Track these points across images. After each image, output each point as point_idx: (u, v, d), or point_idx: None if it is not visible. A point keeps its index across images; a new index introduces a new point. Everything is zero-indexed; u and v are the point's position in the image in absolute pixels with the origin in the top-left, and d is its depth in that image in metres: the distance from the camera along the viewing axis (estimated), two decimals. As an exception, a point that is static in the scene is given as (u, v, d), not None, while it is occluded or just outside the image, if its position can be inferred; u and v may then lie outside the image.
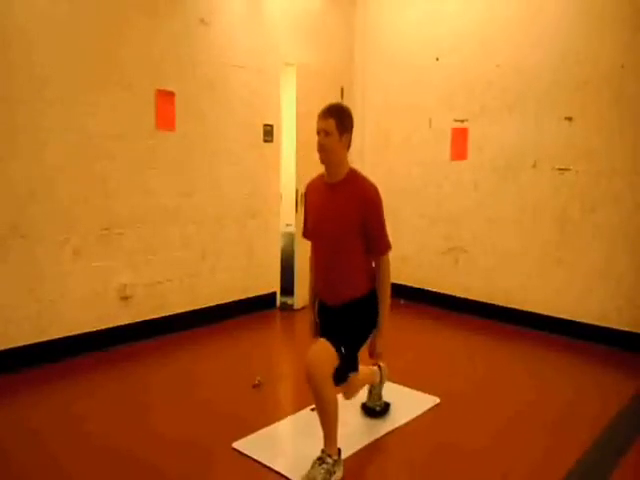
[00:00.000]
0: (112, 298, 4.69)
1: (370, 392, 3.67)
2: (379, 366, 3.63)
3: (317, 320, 3.25)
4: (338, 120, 2.92)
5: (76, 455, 3.12)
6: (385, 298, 3.05)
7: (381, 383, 3.66)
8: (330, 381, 2.82)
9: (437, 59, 6.04)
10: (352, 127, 3.02)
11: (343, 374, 3.06)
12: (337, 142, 2.92)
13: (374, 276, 3.06)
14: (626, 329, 4.88)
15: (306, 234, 3.25)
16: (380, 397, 3.68)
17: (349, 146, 3.02)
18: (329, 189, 3.03)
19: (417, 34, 6.21)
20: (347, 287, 3.02)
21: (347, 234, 2.95)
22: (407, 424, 3.53)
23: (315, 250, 3.16)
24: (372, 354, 3.11)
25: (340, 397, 3.16)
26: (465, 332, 5.50)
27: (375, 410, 3.64)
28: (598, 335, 5.01)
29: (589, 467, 3.11)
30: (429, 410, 3.71)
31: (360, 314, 3.04)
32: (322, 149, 2.95)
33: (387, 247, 3.03)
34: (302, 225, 3.30)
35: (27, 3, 4.03)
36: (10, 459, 3.09)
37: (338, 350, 2.86)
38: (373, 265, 3.07)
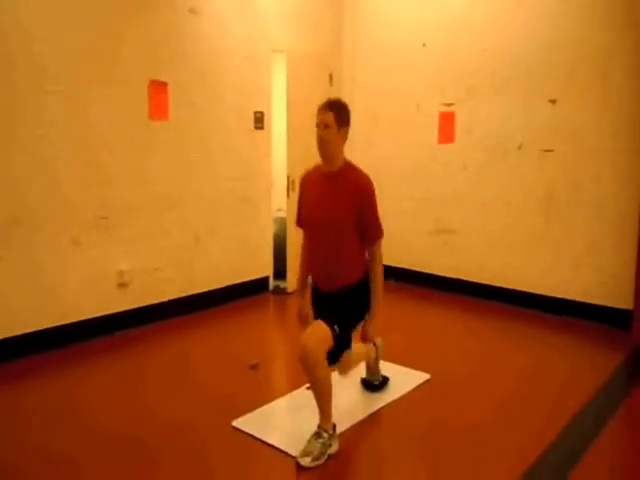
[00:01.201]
0: (110, 285, 4.80)
1: (368, 367, 3.82)
2: (374, 343, 3.74)
3: (310, 309, 3.37)
4: (337, 114, 3.06)
5: (74, 439, 3.22)
6: (378, 284, 3.20)
7: (377, 359, 3.80)
8: (324, 361, 2.95)
9: (424, 44, 6.12)
10: (349, 121, 3.15)
11: (337, 354, 3.18)
12: (335, 134, 3.06)
13: (366, 264, 3.20)
14: (610, 305, 5.04)
15: (300, 223, 3.38)
16: (378, 372, 3.83)
17: (346, 139, 3.16)
18: (325, 179, 3.16)
19: (405, 19, 6.28)
20: (341, 275, 3.16)
21: (342, 223, 3.08)
22: (399, 399, 3.68)
23: (309, 239, 3.29)
24: (364, 338, 3.26)
25: (335, 373, 3.30)
26: (455, 311, 5.66)
27: (374, 384, 3.80)
28: (583, 311, 5.18)
29: (575, 435, 3.28)
30: (420, 386, 3.87)
31: (353, 299, 3.18)
32: (321, 141, 3.08)
33: (380, 234, 3.18)
34: (296, 214, 3.41)
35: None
36: (10, 445, 3.18)
37: (332, 330, 2.99)
38: (366, 254, 3.21)
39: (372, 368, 3.82)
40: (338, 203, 3.07)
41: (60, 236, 4.44)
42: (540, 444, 3.13)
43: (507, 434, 3.30)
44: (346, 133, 3.15)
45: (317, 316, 3.23)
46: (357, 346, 3.45)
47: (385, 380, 3.85)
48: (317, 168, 3.26)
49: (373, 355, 3.76)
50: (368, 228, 3.13)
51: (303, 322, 3.36)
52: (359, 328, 3.25)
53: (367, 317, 3.23)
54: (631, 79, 4.78)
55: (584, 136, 5.09)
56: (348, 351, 3.34)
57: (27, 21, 4.13)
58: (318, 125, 3.08)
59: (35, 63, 4.19)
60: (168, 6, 4.96)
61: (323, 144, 3.08)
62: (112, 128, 4.67)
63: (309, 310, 3.37)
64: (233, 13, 5.52)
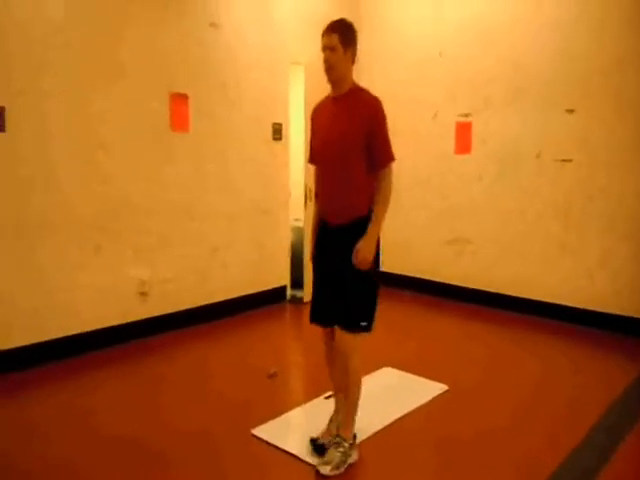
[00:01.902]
0: (131, 294, 4.88)
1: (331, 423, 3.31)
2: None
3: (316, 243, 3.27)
4: (342, 35, 2.98)
5: (89, 448, 3.25)
6: (381, 207, 3.01)
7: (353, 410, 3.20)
8: (358, 357, 3.00)
9: (440, 54, 6.18)
10: (356, 41, 3.05)
11: (355, 320, 3.01)
12: (342, 56, 2.97)
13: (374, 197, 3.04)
14: (625, 314, 5.05)
15: (312, 158, 3.27)
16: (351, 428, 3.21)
17: (354, 61, 3.07)
18: (334, 103, 3.08)
19: (421, 30, 6.35)
20: (350, 206, 3.03)
21: (351, 147, 2.96)
22: (417, 410, 3.71)
23: (320, 172, 3.18)
24: (355, 257, 2.97)
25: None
26: (470, 320, 5.68)
27: (323, 446, 3.17)
28: (599, 320, 5.19)
29: (594, 447, 3.29)
30: (437, 397, 3.90)
31: (360, 236, 2.98)
32: (328, 64, 2.99)
33: (390, 158, 3.04)
34: (309, 151, 3.34)
35: (46, 14, 4.20)
36: (23, 453, 3.24)
37: (356, 328, 3.00)
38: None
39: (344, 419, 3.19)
40: (347, 124, 2.97)
41: (83, 246, 4.53)
42: (556, 457, 3.15)
43: (522, 446, 3.31)
44: (354, 54, 3.05)
45: (324, 269, 3.17)
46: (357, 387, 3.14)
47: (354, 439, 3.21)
48: (326, 97, 3.18)
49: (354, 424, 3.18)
50: (378, 150, 2.99)
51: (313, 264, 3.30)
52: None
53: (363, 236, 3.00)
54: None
55: (601, 146, 5.12)
56: (366, 332, 3.07)
57: (47, 40, 4.24)
58: (323, 49, 2.99)
59: (53, 81, 4.30)
60: (189, 20, 5.06)
61: (330, 68, 2.99)
62: (134, 140, 4.77)
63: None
64: (252, 26, 5.61)
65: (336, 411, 3.25)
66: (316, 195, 3.28)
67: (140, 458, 3.16)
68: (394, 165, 3.06)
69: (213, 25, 5.25)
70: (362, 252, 2.94)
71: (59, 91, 4.31)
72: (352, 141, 2.96)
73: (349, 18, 3.15)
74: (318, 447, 3.16)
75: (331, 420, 3.27)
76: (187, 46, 5.07)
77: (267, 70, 5.81)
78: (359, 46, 3.05)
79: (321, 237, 3.22)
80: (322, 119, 3.15)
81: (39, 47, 4.18)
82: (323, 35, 3.02)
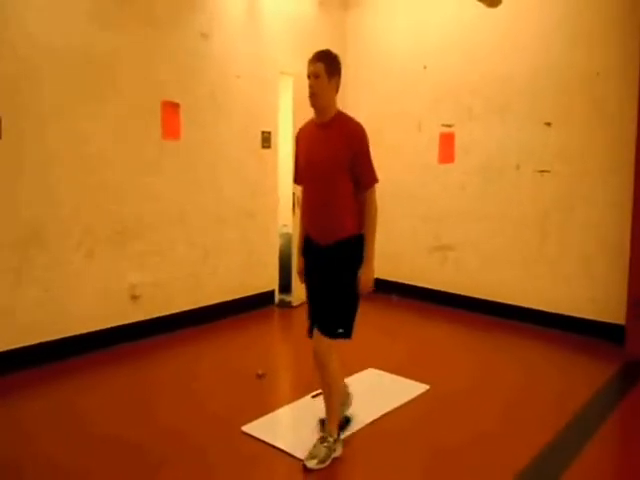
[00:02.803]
0: (123, 298, 5.00)
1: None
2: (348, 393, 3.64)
3: (303, 260, 3.42)
4: (327, 64, 3.13)
5: (79, 447, 3.32)
6: (371, 230, 3.19)
7: (343, 405, 3.55)
8: (334, 354, 3.15)
9: (425, 67, 6.37)
10: (340, 71, 3.22)
11: (333, 327, 3.16)
12: (326, 84, 3.13)
13: (361, 218, 3.19)
14: (603, 320, 5.24)
15: (297, 179, 3.45)
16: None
17: (337, 89, 3.23)
18: (319, 129, 3.22)
19: (406, 43, 6.54)
20: (336, 227, 3.17)
21: (337, 171, 3.11)
22: (399, 408, 3.86)
23: (306, 193, 3.31)
24: (360, 284, 3.17)
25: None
26: (453, 325, 5.85)
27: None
28: (578, 326, 5.37)
29: (564, 444, 3.46)
30: (419, 396, 4.05)
31: (347, 255, 3.16)
32: (312, 92, 3.14)
33: (374, 180, 3.21)
34: (293, 172, 3.50)
35: (32, 23, 4.33)
36: (15, 453, 3.32)
37: (334, 334, 3.15)
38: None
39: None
40: (332, 150, 3.12)
41: (75, 251, 4.65)
42: (531, 453, 3.30)
43: (500, 441, 3.47)
44: (337, 83, 3.20)
45: (309, 273, 3.35)
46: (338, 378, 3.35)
47: (347, 420, 3.60)
48: (310, 121, 3.32)
49: (340, 399, 3.44)
50: (361, 174, 3.15)
51: (302, 279, 3.48)
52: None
53: (362, 265, 3.19)
54: (621, 103, 5.00)
55: (578, 157, 5.32)
56: (346, 339, 3.23)
57: (35, 54, 4.37)
58: (309, 76, 3.14)
59: (45, 90, 4.42)
60: (180, 31, 5.22)
61: (314, 95, 3.14)
62: (125, 148, 4.91)
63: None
64: (242, 37, 5.78)
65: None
66: (302, 214, 3.42)
67: (131, 457, 3.25)
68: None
69: (204, 35, 5.41)
70: (365, 278, 3.17)
71: (59, 106, 4.45)
72: (337, 166, 3.11)
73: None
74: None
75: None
76: (178, 56, 5.23)
77: (256, 80, 5.97)
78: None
79: (307, 254, 3.39)
80: (307, 143, 3.29)
81: (34, 63, 4.32)
82: (309, 63, 3.17)
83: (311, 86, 3.14)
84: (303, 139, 3.36)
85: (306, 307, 3.45)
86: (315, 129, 3.25)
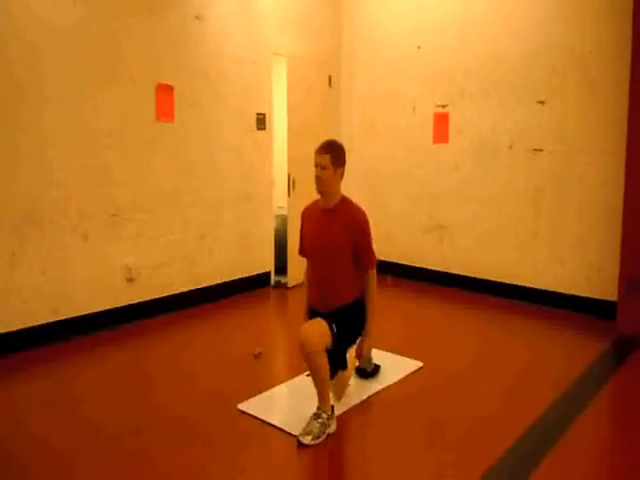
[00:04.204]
0: (119, 280, 5.04)
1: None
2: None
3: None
4: (333, 155, 3.34)
5: (72, 430, 3.35)
6: (373, 307, 3.47)
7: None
8: (323, 352, 3.19)
9: (419, 47, 6.36)
10: (345, 161, 3.42)
11: (332, 368, 3.37)
12: (332, 175, 3.34)
13: (360, 287, 3.46)
14: (596, 297, 5.29)
15: (302, 253, 3.68)
16: (370, 360, 4.05)
17: (342, 178, 3.43)
18: (323, 214, 3.44)
19: (400, 24, 6.52)
20: (337, 298, 3.42)
21: (339, 253, 3.36)
22: (393, 385, 3.92)
23: (311, 267, 3.58)
24: (359, 356, 3.55)
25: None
26: (448, 304, 5.91)
27: (366, 371, 4.02)
28: (572, 303, 5.43)
29: (555, 419, 3.52)
30: (413, 373, 4.11)
31: (347, 317, 3.38)
32: (319, 181, 3.36)
33: (372, 264, 3.46)
34: (298, 244, 3.72)
35: (27, 4, 4.32)
36: (7, 435, 3.35)
37: (330, 327, 3.24)
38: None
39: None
40: (335, 235, 3.35)
41: (72, 233, 4.68)
42: (524, 425, 3.37)
43: (494, 414, 3.53)
44: (342, 172, 3.41)
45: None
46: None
47: (377, 368, 4.08)
48: (316, 203, 3.54)
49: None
50: (362, 257, 3.40)
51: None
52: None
53: (362, 337, 3.48)
54: (615, 83, 5.01)
55: (571, 136, 5.33)
56: (343, 371, 3.61)
57: (31, 33, 4.36)
58: (316, 166, 3.34)
59: (40, 70, 4.41)
60: (174, 12, 5.21)
61: (321, 183, 3.36)
62: (120, 130, 4.91)
63: None
64: (235, 19, 5.76)
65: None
66: (307, 285, 3.66)
67: (128, 437, 3.28)
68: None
69: (198, 17, 5.39)
70: (366, 348, 3.52)
71: (55, 87, 4.45)
72: (339, 252, 3.36)
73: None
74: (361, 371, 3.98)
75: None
76: (173, 38, 5.21)
77: (251, 61, 5.96)
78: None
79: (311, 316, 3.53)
80: (312, 226, 3.51)
81: (36, 48, 4.31)
82: (316, 153, 3.37)
83: (317, 176, 3.35)
84: (308, 221, 3.57)
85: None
86: (320, 213, 3.46)
